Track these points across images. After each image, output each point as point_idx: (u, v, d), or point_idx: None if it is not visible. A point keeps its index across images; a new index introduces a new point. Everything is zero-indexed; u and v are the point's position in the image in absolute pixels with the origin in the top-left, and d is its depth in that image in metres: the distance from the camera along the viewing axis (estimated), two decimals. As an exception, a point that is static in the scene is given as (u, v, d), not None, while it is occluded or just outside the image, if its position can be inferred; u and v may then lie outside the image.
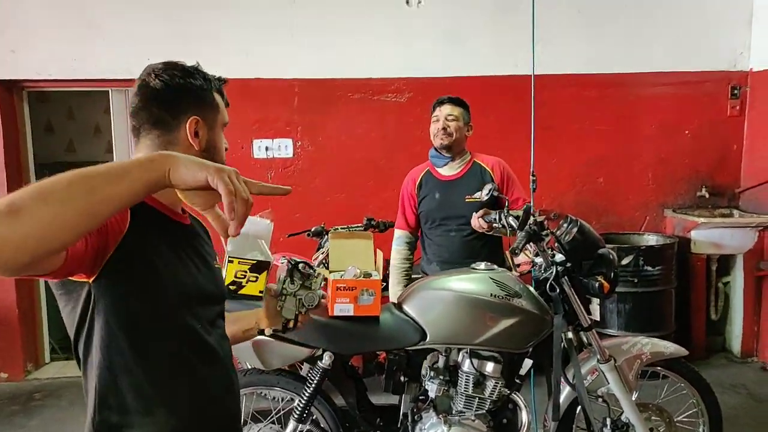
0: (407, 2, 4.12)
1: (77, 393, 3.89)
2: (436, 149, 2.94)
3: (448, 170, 2.94)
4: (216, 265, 1.40)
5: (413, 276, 3.03)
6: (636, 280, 3.89)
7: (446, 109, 2.88)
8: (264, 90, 4.15)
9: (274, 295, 1.46)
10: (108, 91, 4.14)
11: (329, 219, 3.59)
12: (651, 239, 4.25)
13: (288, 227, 3.56)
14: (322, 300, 1.48)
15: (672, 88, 4.27)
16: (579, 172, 4.31)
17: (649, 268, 3.89)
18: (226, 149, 1.35)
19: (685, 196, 4.39)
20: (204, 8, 4.06)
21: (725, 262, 4.32)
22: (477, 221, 2.70)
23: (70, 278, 1.10)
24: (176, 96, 1.24)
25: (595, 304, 4.00)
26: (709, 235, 4.11)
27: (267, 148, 4.19)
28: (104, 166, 0.91)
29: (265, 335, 1.48)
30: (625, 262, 3.89)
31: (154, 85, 1.24)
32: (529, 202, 2.65)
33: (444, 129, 2.85)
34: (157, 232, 1.20)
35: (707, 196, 4.34)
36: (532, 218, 2.30)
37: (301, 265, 1.46)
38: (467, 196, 2.83)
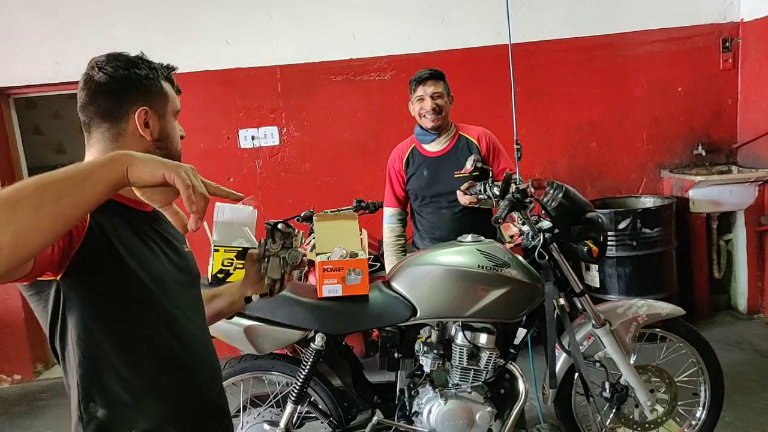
0: (383, -23, 4.05)
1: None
2: (422, 127, 2.89)
3: (435, 146, 2.89)
4: (186, 249, 1.40)
5: (408, 252, 3.00)
6: (635, 243, 3.84)
7: (430, 87, 2.78)
8: (246, 79, 4.11)
9: (257, 259, 1.43)
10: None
11: (321, 203, 3.56)
12: (648, 201, 4.19)
13: (280, 214, 3.52)
14: (304, 258, 1.43)
15: (661, 45, 4.18)
16: (571, 138, 4.25)
17: (648, 231, 3.84)
18: (182, 137, 1.34)
19: (682, 155, 4.32)
20: (180, 3, 4.01)
21: (726, 220, 4.27)
22: (463, 197, 2.67)
23: (37, 278, 1.09)
24: (121, 87, 1.23)
25: (594, 271, 4.00)
26: (708, 194, 4.05)
27: (253, 137, 4.16)
28: (65, 170, 0.92)
29: (252, 300, 1.45)
30: (622, 225, 3.84)
31: (99, 78, 1.22)
32: (514, 171, 2.61)
33: (433, 109, 2.77)
34: (120, 222, 1.19)
35: (704, 153, 4.27)
36: (514, 186, 2.26)
37: (280, 225, 1.42)
38: (456, 172, 2.79)
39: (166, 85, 1.30)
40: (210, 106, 4.11)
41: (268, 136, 4.16)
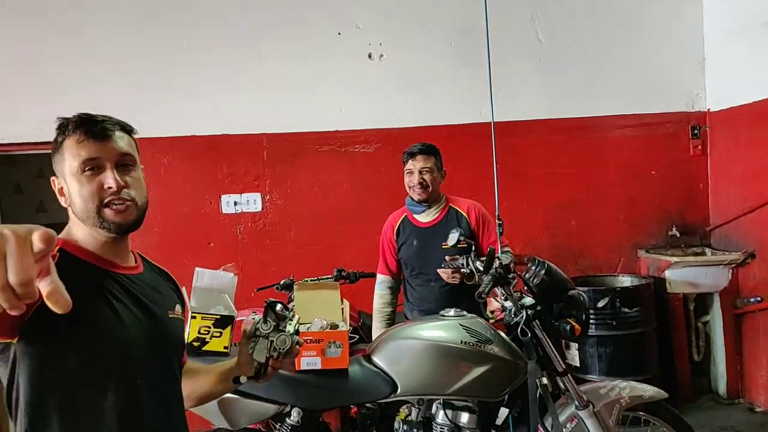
0: (370, 56, 4.19)
1: None
2: (412, 198, 2.93)
3: (425, 217, 2.93)
4: (171, 316, 1.34)
5: (398, 322, 2.97)
6: (615, 323, 3.84)
7: (419, 162, 2.85)
8: (233, 145, 4.15)
9: (247, 337, 1.38)
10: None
11: (303, 271, 3.52)
12: (626, 280, 4.23)
13: (261, 281, 3.49)
14: (297, 346, 1.37)
15: (634, 130, 4.35)
16: (551, 216, 4.32)
17: (627, 310, 3.86)
18: (108, 188, 1.20)
19: (657, 236, 4.41)
20: (170, 66, 4.09)
21: (703, 301, 4.30)
22: (444, 273, 2.67)
23: None
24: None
25: (573, 350, 3.97)
26: (683, 275, 4.10)
27: (235, 203, 4.16)
28: None
29: (240, 383, 1.38)
30: (601, 304, 3.86)
31: None
32: (500, 245, 2.63)
33: (420, 183, 2.83)
34: (81, 283, 1.11)
35: (678, 235, 4.36)
36: (497, 261, 2.26)
37: (278, 307, 1.38)
38: (443, 243, 2.81)
39: (67, 142, 1.20)
40: (195, 170, 4.12)
41: (250, 202, 4.16)
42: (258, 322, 1.36)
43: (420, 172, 2.83)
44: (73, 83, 4.00)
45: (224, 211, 4.15)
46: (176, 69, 4.10)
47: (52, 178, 1.25)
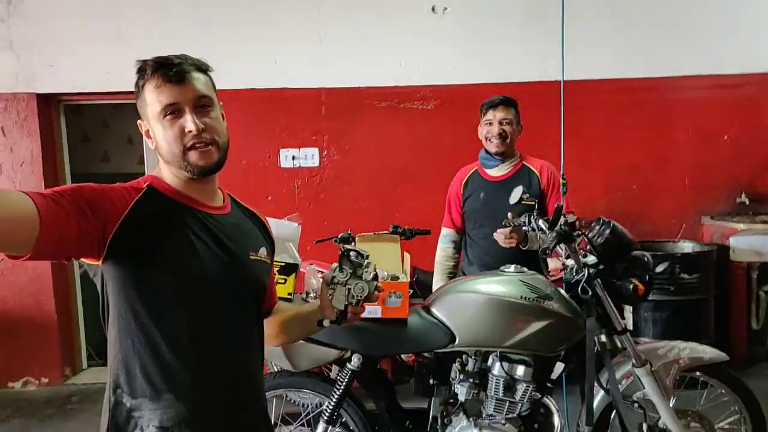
0: (433, 9, 4.12)
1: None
2: (487, 151, 2.91)
3: (497, 171, 2.92)
4: (252, 257, 1.37)
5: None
6: (672, 288, 3.78)
7: (500, 113, 2.81)
8: (292, 99, 4.20)
9: (327, 284, 1.39)
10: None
11: (357, 227, 3.56)
12: (687, 247, 4.13)
13: (316, 235, 3.56)
14: (376, 292, 1.38)
15: (709, 92, 4.17)
16: (612, 179, 4.23)
17: (686, 276, 3.78)
18: (189, 132, 1.24)
19: (724, 203, 4.26)
20: (232, 20, 4.13)
21: (766, 270, 4.17)
22: (500, 234, 2.65)
23: (86, 261, 1.16)
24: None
25: (627, 313, 3.92)
26: (750, 242, 3.98)
27: (294, 158, 4.23)
28: None
29: (323, 326, 1.41)
30: (659, 269, 3.78)
31: None
32: (563, 201, 2.60)
33: (500, 134, 2.80)
34: (163, 217, 1.22)
35: (747, 202, 4.21)
36: (563, 219, 2.25)
37: (352, 254, 1.38)
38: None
39: (147, 87, 1.24)
40: (254, 123, 4.20)
41: (308, 157, 4.23)
42: (335, 270, 1.37)
43: (500, 123, 2.80)
44: (138, 34, 4.10)
45: (283, 165, 4.23)
46: (237, 21, 4.14)
47: (139, 121, 1.29)
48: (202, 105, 1.26)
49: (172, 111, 1.22)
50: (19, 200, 1.01)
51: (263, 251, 1.41)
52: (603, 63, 4.14)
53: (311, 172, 4.26)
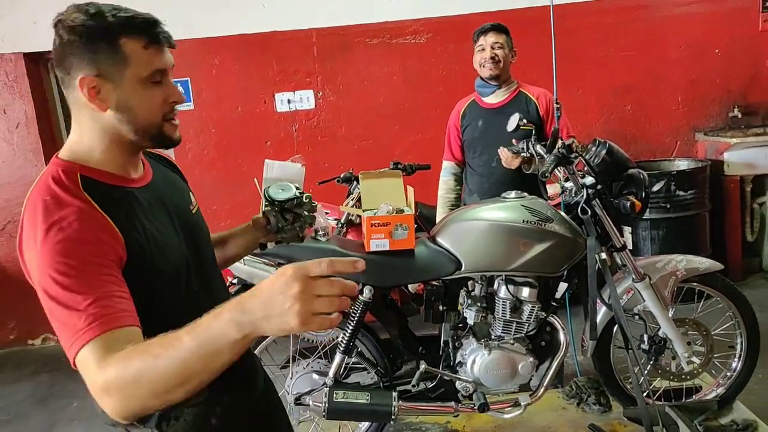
0: (420, -61, 4.04)
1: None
2: (482, 78, 2.93)
3: (494, 98, 2.95)
4: (194, 211, 1.29)
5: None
6: (668, 206, 3.87)
7: (491, 38, 2.85)
8: (282, 42, 4.16)
9: (270, 231, 1.52)
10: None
11: (357, 166, 3.61)
12: (682, 164, 4.20)
13: (317, 177, 3.61)
14: (316, 215, 1.58)
15: (698, 6, 4.14)
16: (606, 101, 4.25)
17: (681, 193, 3.86)
18: (175, 102, 1.13)
19: (717, 118, 4.30)
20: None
21: (760, 183, 4.26)
22: (504, 153, 2.71)
23: None
24: (66, 50, 1.05)
25: (626, 233, 4.03)
26: (743, 156, 4.04)
27: (289, 101, 4.22)
28: (196, 343, 0.85)
29: (267, 248, 1.60)
30: (656, 188, 3.86)
31: (57, 34, 1.06)
32: (557, 124, 2.65)
33: (492, 58, 2.83)
34: (117, 210, 1.05)
35: (740, 116, 4.25)
36: (560, 142, 2.30)
37: (287, 204, 1.53)
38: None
39: (129, 45, 1.05)
40: (247, 70, 4.17)
41: (303, 99, 4.22)
42: (277, 223, 1.53)
43: (492, 47, 2.83)
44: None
45: (279, 110, 4.23)
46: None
47: (84, 76, 1.04)
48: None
49: (159, 78, 1.09)
50: (139, 336, 0.95)
51: (192, 197, 1.33)
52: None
53: (308, 115, 4.27)
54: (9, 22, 4.07)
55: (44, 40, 4.09)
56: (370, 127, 4.25)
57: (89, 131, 1.10)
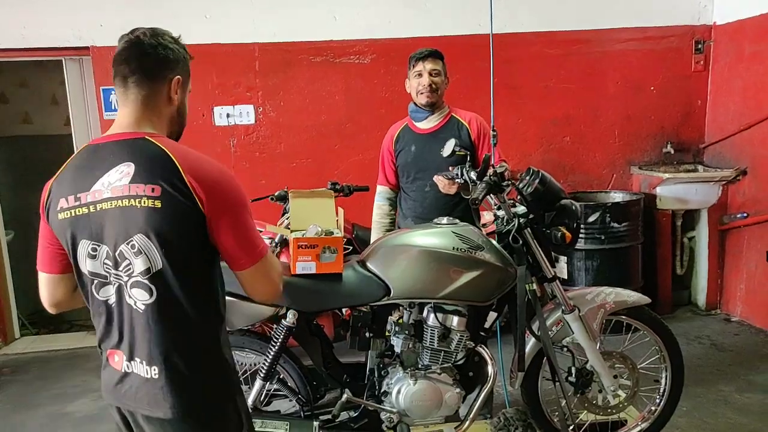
0: (367, -40, 4.03)
1: (45, 367, 3.86)
2: (416, 104, 2.90)
3: (426, 123, 2.92)
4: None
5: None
6: (603, 237, 3.93)
7: (429, 64, 2.82)
8: (224, 55, 4.05)
9: None
10: (62, 61, 4.03)
11: (295, 184, 3.50)
12: (617, 196, 4.28)
13: (254, 194, 3.49)
14: None
15: (636, 44, 4.27)
16: (545, 131, 4.30)
17: (616, 225, 3.93)
18: None
19: (651, 153, 4.42)
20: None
21: (690, 217, 4.39)
22: (440, 180, 2.68)
23: None
24: (167, 56, 1.42)
25: (561, 263, 4.07)
26: (674, 191, 4.16)
27: (228, 115, 4.10)
28: None
29: None
30: (591, 219, 3.92)
31: (149, 42, 1.40)
32: (493, 154, 2.63)
33: (430, 86, 2.80)
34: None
35: (672, 152, 4.38)
36: (492, 169, 2.27)
37: None
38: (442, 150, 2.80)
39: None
40: (185, 81, 4.03)
41: (243, 114, 4.11)
42: None
43: (430, 74, 2.80)
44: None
45: (217, 123, 4.11)
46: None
47: (178, 76, 1.43)
48: None
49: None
50: None
51: None
52: (533, 17, 4.17)
53: (247, 130, 4.15)
54: None
55: None
56: (310, 145, 4.17)
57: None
